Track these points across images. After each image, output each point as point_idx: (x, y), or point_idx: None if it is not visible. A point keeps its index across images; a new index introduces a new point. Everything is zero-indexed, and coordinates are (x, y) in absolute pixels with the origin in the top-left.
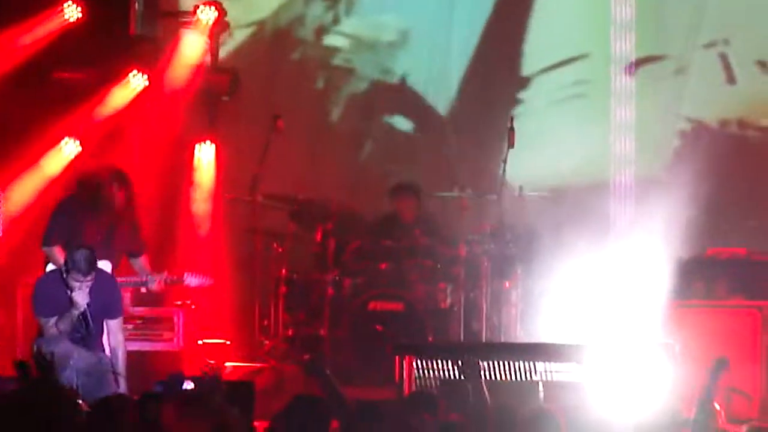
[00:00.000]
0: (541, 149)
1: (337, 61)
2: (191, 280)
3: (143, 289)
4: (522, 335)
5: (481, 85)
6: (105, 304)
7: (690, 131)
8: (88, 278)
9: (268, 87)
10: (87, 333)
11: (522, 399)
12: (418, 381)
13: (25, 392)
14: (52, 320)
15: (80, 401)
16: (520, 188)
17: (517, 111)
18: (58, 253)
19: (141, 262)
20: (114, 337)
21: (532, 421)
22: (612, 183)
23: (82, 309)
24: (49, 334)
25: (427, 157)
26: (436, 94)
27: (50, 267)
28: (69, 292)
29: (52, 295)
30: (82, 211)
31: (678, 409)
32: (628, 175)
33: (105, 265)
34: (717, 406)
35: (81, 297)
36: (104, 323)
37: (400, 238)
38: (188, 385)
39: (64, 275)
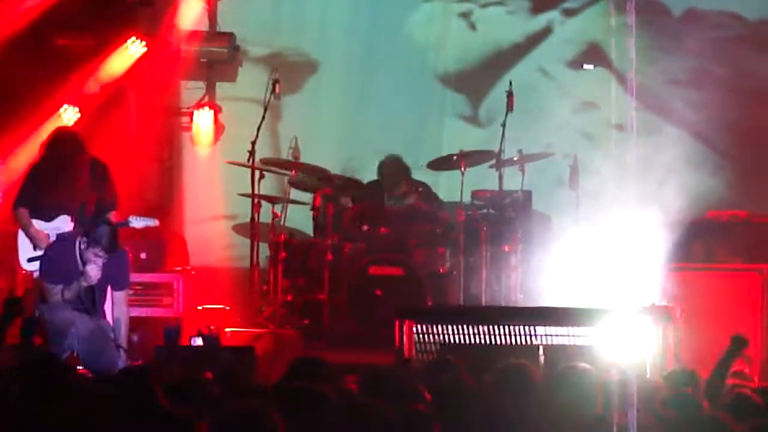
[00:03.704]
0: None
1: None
2: (136, 222)
3: None
4: (522, 299)
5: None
6: (113, 276)
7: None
8: (107, 255)
9: (267, 51)
10: (92, 305)
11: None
12: (417, 345)
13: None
14: (58, 287)
15: (79, 368)
16: (519, 152)
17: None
18: (24, 216)
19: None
20: (118, 308)
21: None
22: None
23: (92, 283)
24: (53, 301)
25: (423, 121)
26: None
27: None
28: (82, 264)
29: (63, 263)
30: (49, 174)
31: (692, 371)
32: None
33: (64, 220)
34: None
35: (94, 272)
36: (109, 293)
37: (398, 203)
38: (197, 342)
39: (81, 246)
